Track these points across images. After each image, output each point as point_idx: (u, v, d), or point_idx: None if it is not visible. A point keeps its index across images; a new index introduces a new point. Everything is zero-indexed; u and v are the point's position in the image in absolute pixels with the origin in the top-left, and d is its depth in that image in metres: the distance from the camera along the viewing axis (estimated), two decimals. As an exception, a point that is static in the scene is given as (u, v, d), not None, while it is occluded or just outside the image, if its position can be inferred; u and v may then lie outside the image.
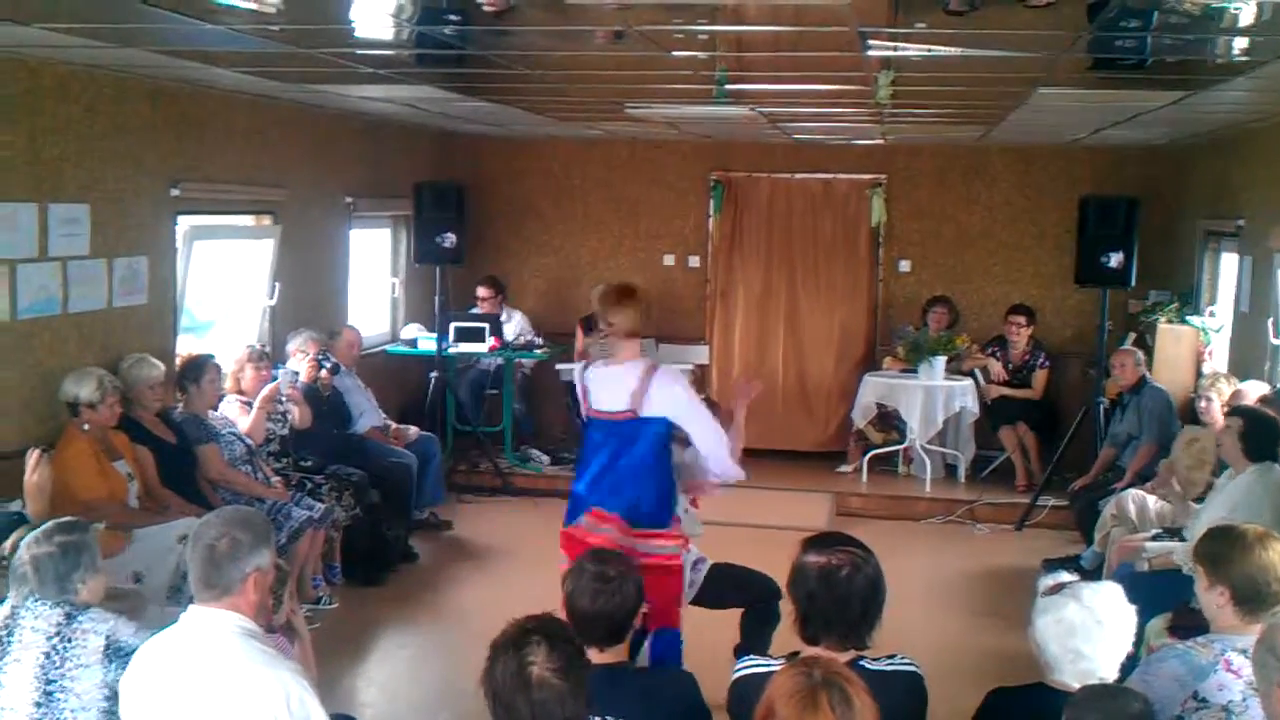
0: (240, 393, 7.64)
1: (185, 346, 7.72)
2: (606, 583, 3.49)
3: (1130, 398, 8.64)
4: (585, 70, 6.76)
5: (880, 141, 10.80)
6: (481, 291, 11.07)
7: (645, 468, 5.23)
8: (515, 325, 11.11)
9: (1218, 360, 9.17)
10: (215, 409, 7.38)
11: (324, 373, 8.26)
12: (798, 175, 11.57)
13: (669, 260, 11.88)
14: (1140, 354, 8.87)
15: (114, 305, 6.92)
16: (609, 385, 5.31)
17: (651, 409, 5.23)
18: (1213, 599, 3.82)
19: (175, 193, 7.41)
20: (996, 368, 10.45)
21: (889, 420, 10.56)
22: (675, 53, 5.79)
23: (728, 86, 6.93)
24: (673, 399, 5.27)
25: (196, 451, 6.98)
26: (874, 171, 11.42)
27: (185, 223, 7.65)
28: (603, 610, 3.44)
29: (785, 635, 3.61)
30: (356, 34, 5.67)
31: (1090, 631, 3.43)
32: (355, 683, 6.49)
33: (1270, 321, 7.88)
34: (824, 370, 11.50)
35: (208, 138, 7.82)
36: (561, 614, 3.51)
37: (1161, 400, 8.45)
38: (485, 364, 10.96)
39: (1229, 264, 9.43)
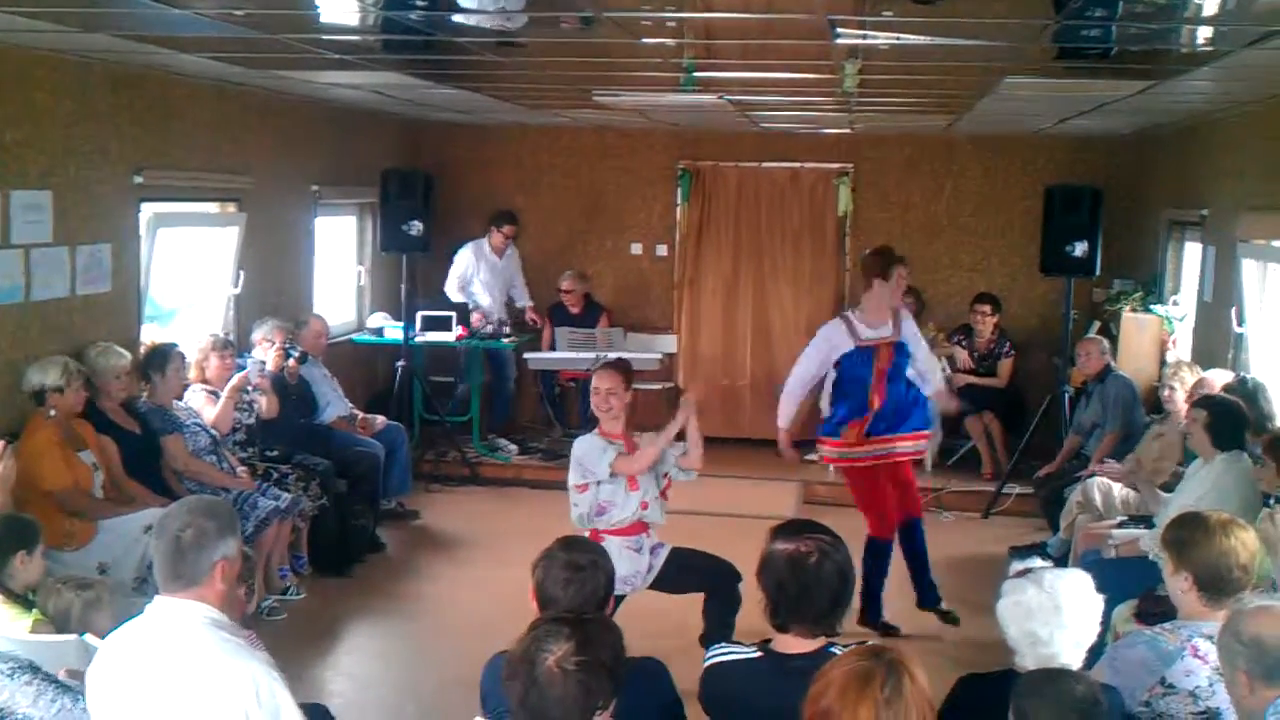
0: (205, 382, 7.58)
1: (149, 335, 7.65)
2: (577, 571, 3.47)
3: (1095, 386, 8.70)
4: (552, 57, 6.73)
5: (848, 131, 10.82)
6: (507, 229, 11.06)
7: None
8: (513, 262, 11.22)
9: (1181, 349, 9.24)
10: (180, 399, 7.33)
11: (291, 362, 8.21)
12: (765, 164, 11.57)
13: (636, 249, 11.87)
14: (1105, 343, 8.93)
15: (77, 293, 6.85)
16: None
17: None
18: (1178, 585, 3.86)
19: (139, 180, 7.34)
20: (963, 356, 10.50)
21: (856, 409, 10.57)
22: (644, 40, 5.78)
23: (696, 74, 6.93)
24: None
25: (161, 442, 6.93)
26: (841, 160, 11.44)
27: (149, 210, 7.57)
28: (573, 598, 3.43)
29: (757, 623, 3.60)
30: (321, 19, 5.63)
31: (1048, 616, 3.43)
32: (324, 673, 6.46)
33: (1233, 310, 7.95)
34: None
35: (172, 124, 7.74)
36: (532, 602, 3.51)
37: (1126, 388, 8.51)
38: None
39: (1192, 253, 9.51)
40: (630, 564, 5.65)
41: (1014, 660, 3.51)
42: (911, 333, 6.97)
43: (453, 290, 10.94)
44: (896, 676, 2.63)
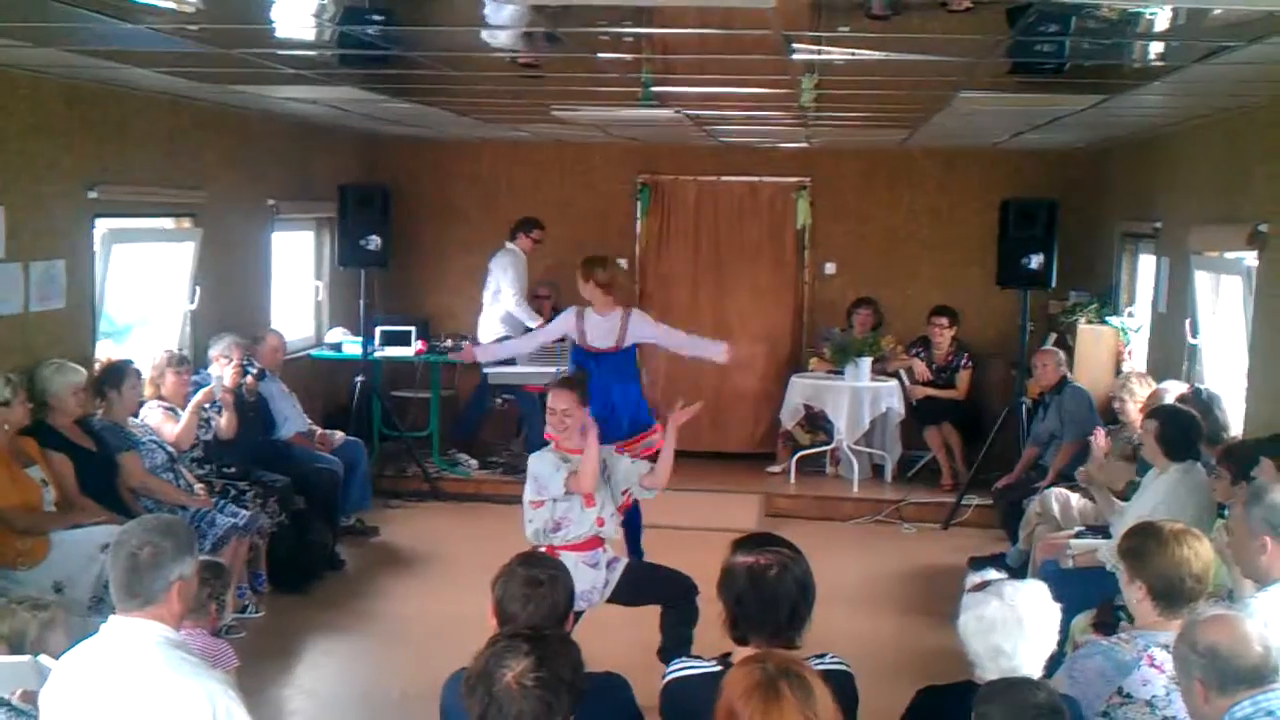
0: (160, 399, 7.51)
1: (104, 352, 7.58)
2: (537, 587, 3.45)
3: (1052, 397, 8.77)
4: (511, 71, 6.72)
5: (805, 145, 10.87)
6: (536, 234, 10.74)
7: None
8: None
9: (1136, 360, 9.33)
10: (136, 415, 7.26)
11: (249, 378, 8.15)
12: (724, 178, 11.62)
13: (596, 262, 11.85)
14: (1061, 354, 9.00)
15: (30, 310, 6.76)
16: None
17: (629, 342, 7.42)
18: (1133, 594, 3.90)
19: (93, 195, 7.26)
20: (921, 369, 10.56)
21: (816, 421, 10.63)
22: (601, 55, 5.79)
23: (654, 89, 6.94)
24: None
25: (117, 459, 6.84)
26: (799, 174, 11.50)
27: (104, 225, 7.50)
28: (533, 614, 3.42)
29: (715, 637, 3.61)
30: (278, 34, 5.60)
31: (1011, 629, 3.45)
32: (283, 691, 6.41)
33: (1187, 321, 8.03)
34: (752, 372, 11.51)
35: (127, 139, 7.68)
36: (491, 618, 3.49)
37: (1082, 400, 8.59)
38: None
39: (1147, 265, 9.61)
40: (587, 579, 5.63)
41: (974, 673, 3.53)
42: (650, 333, 7.62)
43: (522, 305, 10.52)
44: (797, 677, 2.69)
